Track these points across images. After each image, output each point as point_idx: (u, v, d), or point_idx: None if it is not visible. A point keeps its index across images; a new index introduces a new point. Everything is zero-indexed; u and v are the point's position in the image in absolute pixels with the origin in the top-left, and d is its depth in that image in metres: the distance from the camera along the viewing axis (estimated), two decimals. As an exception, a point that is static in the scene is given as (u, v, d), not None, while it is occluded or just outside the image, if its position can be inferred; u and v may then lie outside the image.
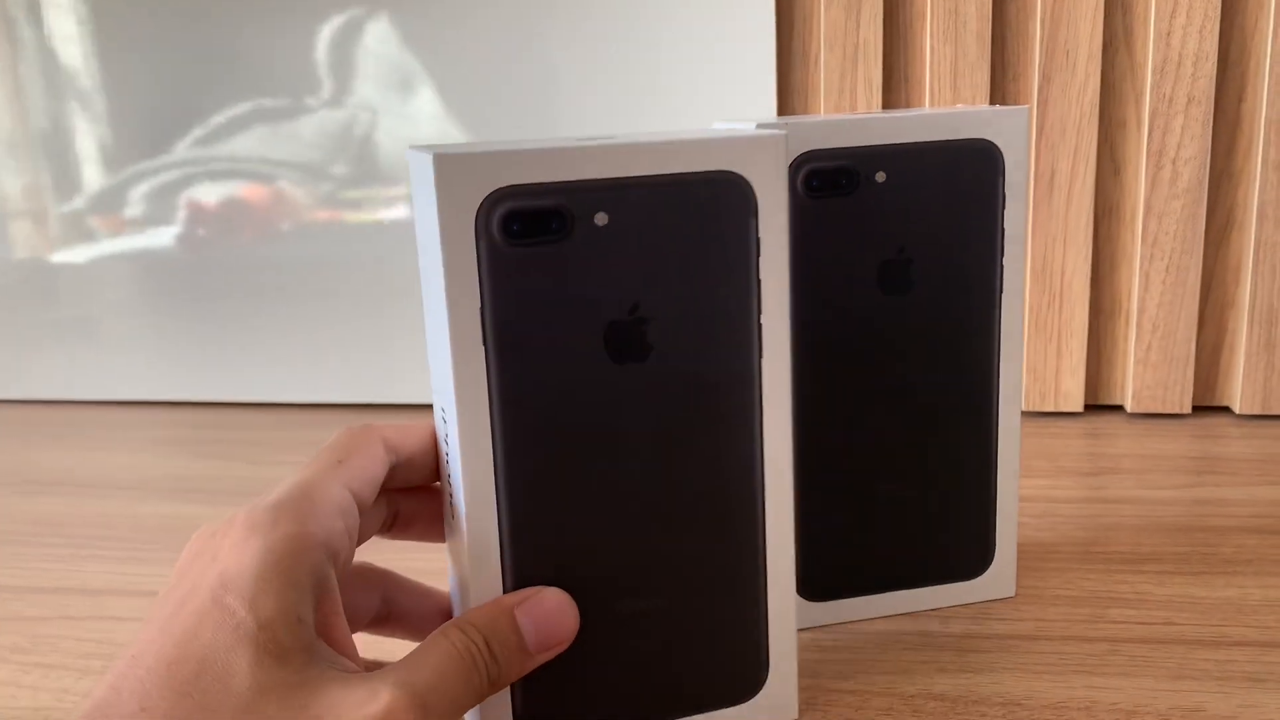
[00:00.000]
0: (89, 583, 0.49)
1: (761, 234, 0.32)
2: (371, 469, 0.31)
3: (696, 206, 0.31)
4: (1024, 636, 0.40)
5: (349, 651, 0.29)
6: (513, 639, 0.30)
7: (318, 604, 0.28)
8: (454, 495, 0.32)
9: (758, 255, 0.32)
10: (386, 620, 0.35)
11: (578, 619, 0.32)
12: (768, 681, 0.35)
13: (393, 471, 0.32)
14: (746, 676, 0.35)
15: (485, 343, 0.30)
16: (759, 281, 0.32)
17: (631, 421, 0.32)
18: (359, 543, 0.32)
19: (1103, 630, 0.40)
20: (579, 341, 0.31)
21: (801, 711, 0.36)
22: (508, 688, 0.32)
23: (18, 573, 0.51)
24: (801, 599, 0.41)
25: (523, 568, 0.32)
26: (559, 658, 0.32)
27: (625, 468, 0.32)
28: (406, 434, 0.33)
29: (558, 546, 0.32)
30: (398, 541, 0.35)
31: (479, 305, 0.30)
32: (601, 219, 0.30)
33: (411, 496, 0.34)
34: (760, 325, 0.32)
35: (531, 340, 0.30)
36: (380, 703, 0.25)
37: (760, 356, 0.33)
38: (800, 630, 0.41)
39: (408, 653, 0.29)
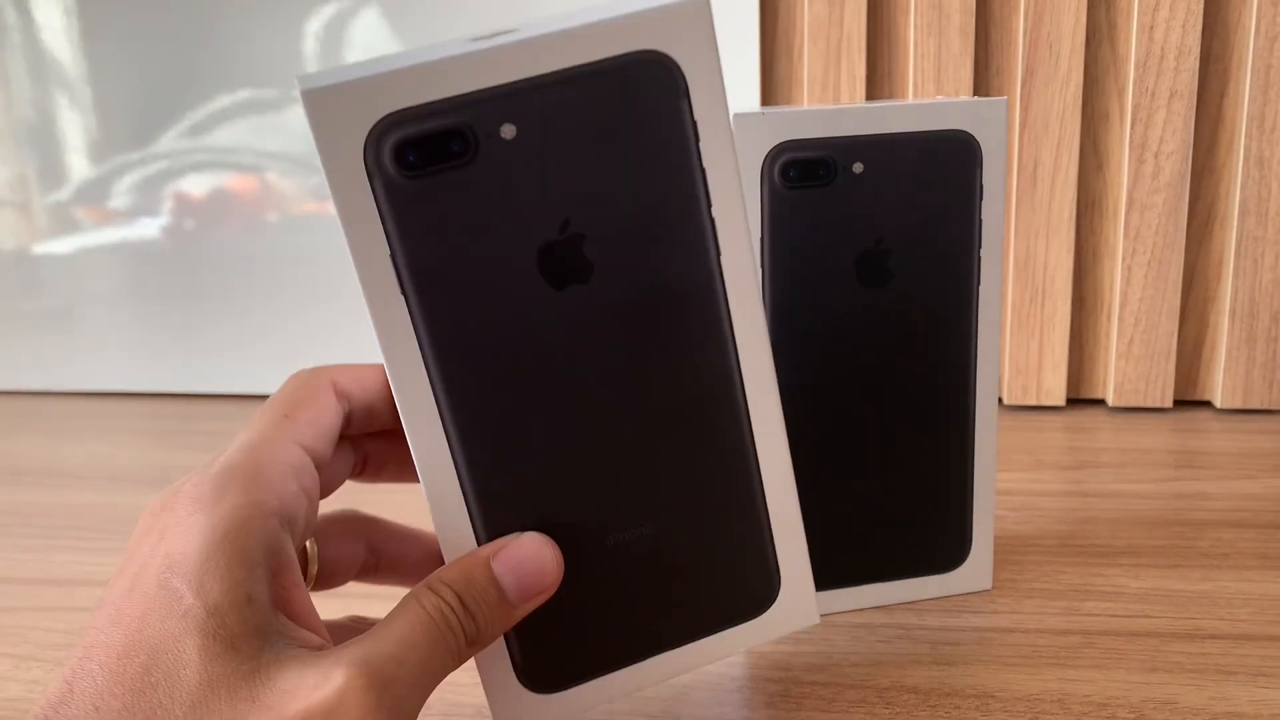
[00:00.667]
0: (60, 573, 0.49)
1: (698, 117, 0.28)
2: (323, 420, 0.29)
3: (615, 98, 0.27)
4: (999, 629, 0.40)
5: (311, 624, 0.27)
6: (491, 593, 0.28)
7: (273, 577, 0.26)
8: (412, 453, 0.30)
9: (696, 140, 0.28)
10: (376, 569, 0.33)
11: (560, 561, 0.30)
12: (781, 589, 0.33)
13: (351, 418, 0.30)
14: (758, 588, 0.33)
15: (403, 290, 0.27)
16: (703, 171, 0.29)
17: (585, 349, 0.29)
18: (328, 492, 0.30)
19: (1077, 623, 0.40)
20: (509, 272, 0.28)
21: (773, 696, 0.36)
22: (504, 640, 0.31)
23: (-9, 563, 0.50)
24: (777, 591, 0.41)
25: (494, 520, 0.30)
26: (554, 602, 0.30)
27: (586, 398, 0.29)
28: (361, 381, 0.30)
29: (528, 492, 0.30)
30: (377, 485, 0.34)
31: (387, 250, 0.27)
32: (509, 131, 0.27)
33: (379, 439, 0.32)
34: (712, 220, 0.29)
35: (455, 280, 0.27)
36: (333, 684, 0.24)
37: (718, 254, 0.29)
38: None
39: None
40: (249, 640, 0.25)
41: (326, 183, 0.26)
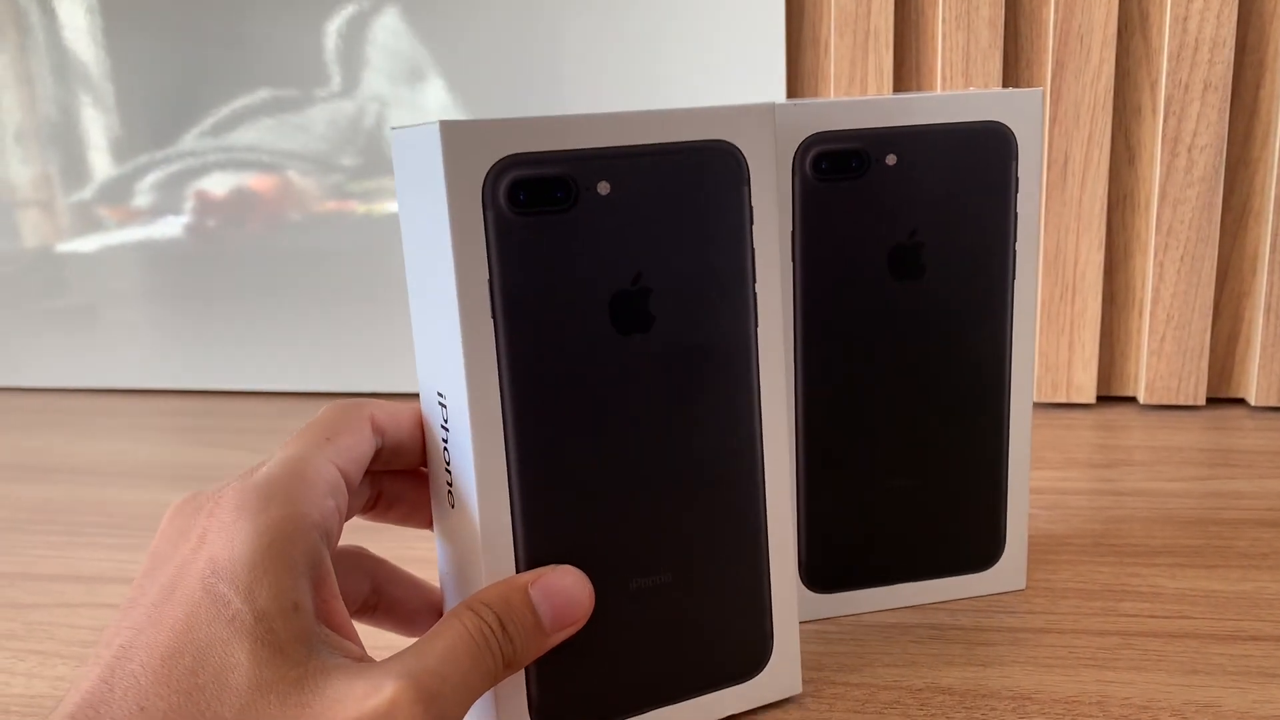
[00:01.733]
0: (85, 570, 0.49)
1: (754, 202, 0.32)
2: (360, 448, 0.30)
3: (692, 175, 0.31)
4: (1034, 630, 0.39)
5: (350, 635, 0.28)
6: (528, 618, 0.29)
7: (314, 588, 0.27)
8: (457, 478, 0.31)
9: (751, 223, 0.32)
10: (375, 609, 0.34)
11: (592, 596, 0.31)
12: (772, 657, 0.35)
13: (378, 454, 0.31)
14: (752, 653, 0.35)
15: (494, 315, 0.29)
16: (753, 249, 0.32)
17: (637, 394, 0.31)
18: (345, 521, 0.31)
19: (1115, 624, 0.39)
20: (585, 313, 0.30)
21: (805, 697, 0.35)
22: (521, 676, 0.31)
23: (14, 560, 0.50)
24: (808, 590, 0.40)
25: (534, 547, 0.31)
26: (576, 641, 0.31)
27: (632, 441, 0.32)
28: (396, 417, 0.32)
29: (569, 524, 0.31)
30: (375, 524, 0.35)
31: (487, 277, 0.29)
32: (604, 188, 0.30)
33: (395, 478, 0.33)
34: (755, 293, 0.33)
35: (539, 313, 0.30)
36: (384, 695, 0.24)
37: (756, 324, 0.33)
38: (806, 622, 0.40)
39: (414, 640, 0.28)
40: (296, 647, 0.25)
41: (445, 209, 0.29)
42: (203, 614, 0.25)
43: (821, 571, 0.40)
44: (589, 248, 0.30)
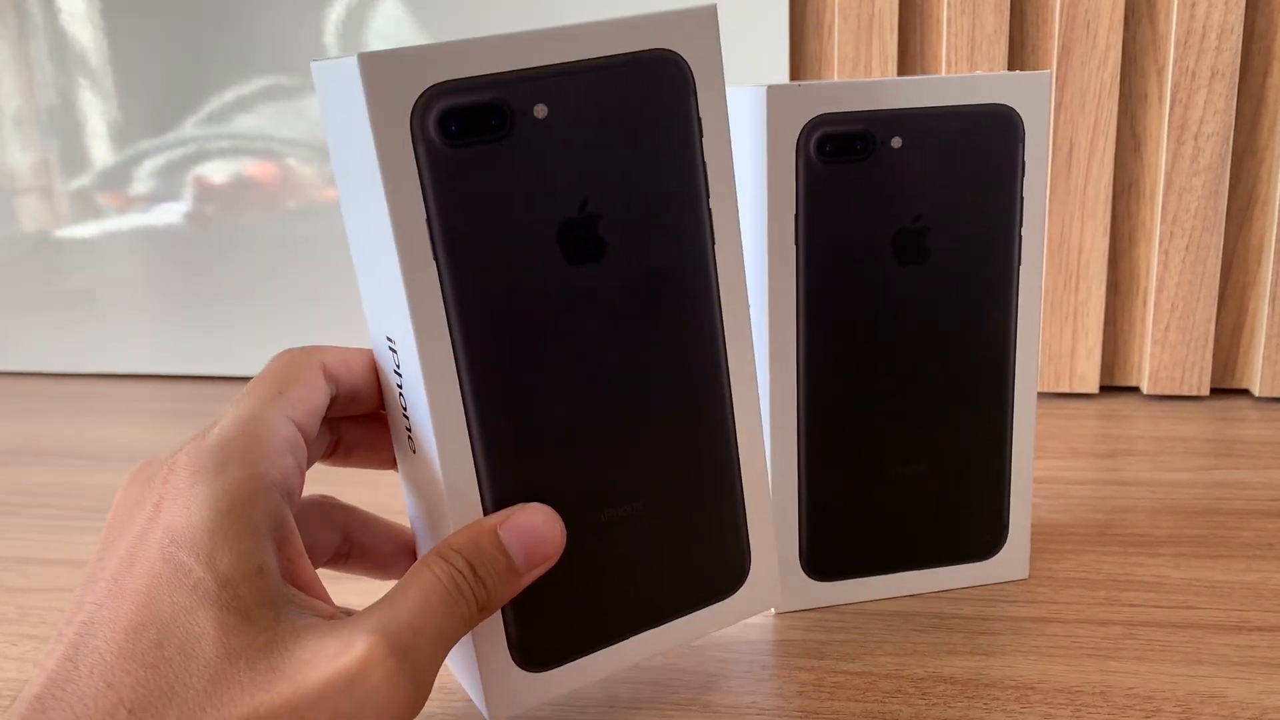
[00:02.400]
0: (81, 554, 0.48)
1: (702, 113, 0.31)
2: (314, 399, 0.29)
3: (633, 89, 0.30)
4: (1037, 619, 0.39)
5: (319, 593, 0.27)
6: (500, 560, 0.28)
7: (278, 549, 0.26)
8: (416, 424, 0.30)
9: (700, 136, 0.31)
10: (348, 558, 0.33)
11: (563, 531, 0.30)
12: (750, 573, 0.35)
13: (333, 401, 0.31)
14: (729, 571, 0.34)
15: (435, 255, 0.28)
16: (704, 164, 0.31)
17: (594, 324, 0.30)
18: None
19: (1118, 614, 0.39)
20: (533, 245, 0.29)
21: (806, 685, 0.35)
22: (499, 617, 0.31)
23: (8, 544, 0.50)
24: (809, 579, 0.40)
25: (500, 487, 0.30)
26: (551, 576, 0.30)
27: (591, 373, 0.31)
28: (348, 364, 0.31)
29: (534, 461, 0.30)
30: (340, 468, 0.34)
31: (424, 215, 0.28)
32: (541, 111, 0.28)
33: (353, 423, 0.33)
34: (710, 211, 0.31)
35: (483, 248, 0.29)
36: (355, 652, 0.24)
37: (713, 243, 0.32)
38: (808, 610, 0.40)
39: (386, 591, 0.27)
40: (263, 611, 0.24)
41: (373, 148, 0.27)
42: (164, 584, 0.24)
43: (823, 559, 0.40)
44: (530, 176, 0.29)
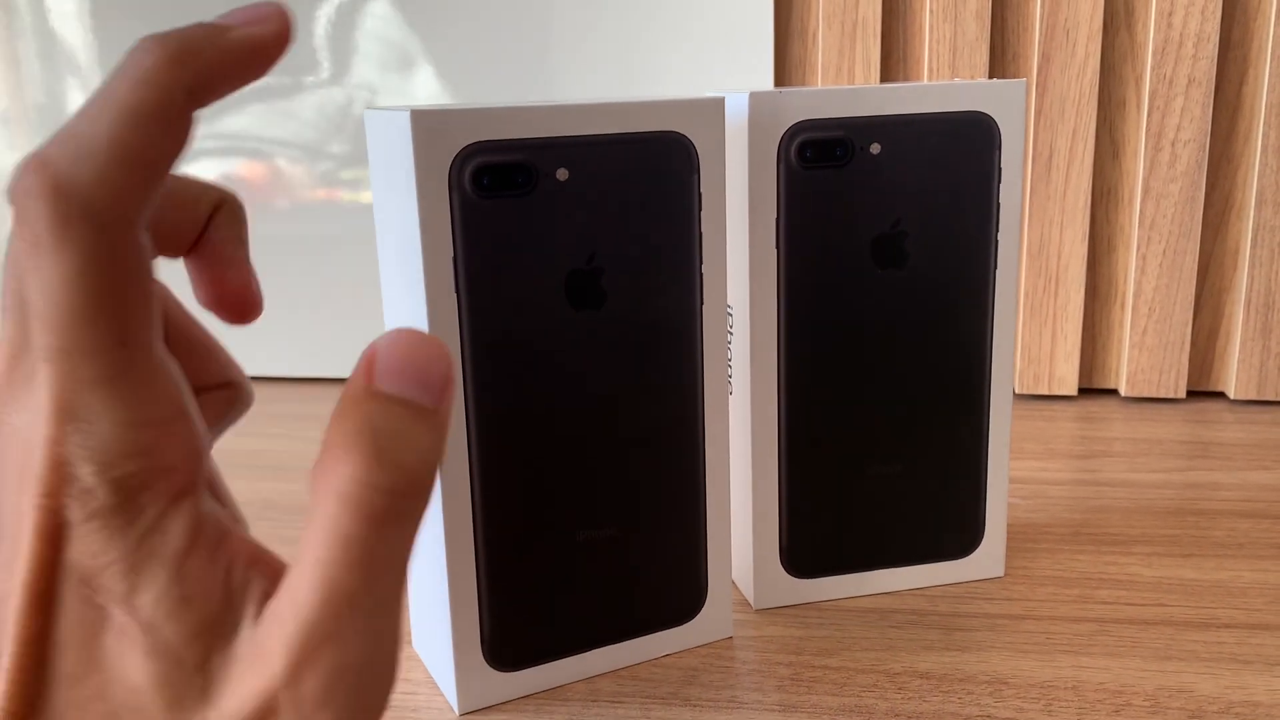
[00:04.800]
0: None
1: (703, 189, 0.35)
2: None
3: (646, 163, 0.34)
4: (1012, 616, 0.40)
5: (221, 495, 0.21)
6: (401, 415, 0.19)
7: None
8: None
9: (700, 209, 0.35)
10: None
11: (437, 339, 0.19)
12: (706, 604, 0.38)
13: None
14: (688, 599, 0.38)
15: (457, 290, 0.32)
16: (700, 233, 0.35)
17: (588, 364, 0.34)
18: None
19: (1091, 611, 0.40)
20: (542, 289, 0.33)
21: (784, 680, 0.36)
22: (475, 616, 0.34)
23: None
24: (789, 575, 0.41)
25: (490, 501, 0.34)
26: (527, 584, 0.34)
27: (582, 406, 0.34)
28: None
29: (522, 480, 0.34)
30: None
31: (452, 255, 0.31)
32: (563, 174, 0.32)
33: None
34: (702, 275, 0.35)
35: (499, 288, 0.32)
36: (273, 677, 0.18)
37: (702, 303, 0.36)
38: (787, 607, 0.41)
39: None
40: (193, 647, 0.19)
41: (414, 192, 0.31)
42: (89, 630, 0.19)
43: (801, 557, 0.41)
44: (547, 229, 0.32)
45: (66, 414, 0.18)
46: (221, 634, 0.19)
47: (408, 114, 0.30)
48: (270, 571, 0.19)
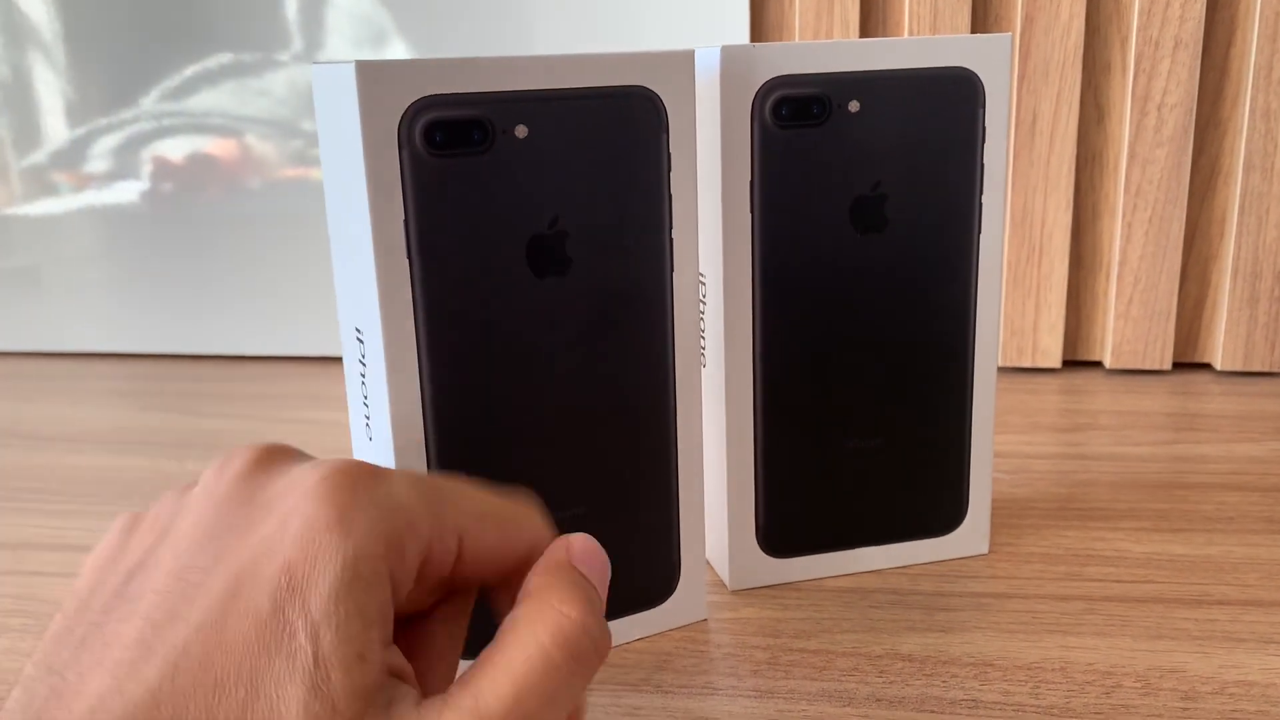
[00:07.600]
0: (12, 536, 0.46)
1: (672, 149, 0.33)
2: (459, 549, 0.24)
3: (611, 120, 0.31)
4: (997, 595, 0.38)
5: (407, 677, 0.23)
6: (597, 598, 0.24)
7: (381, 639, 0.22)
8: (374, 413, 0.31)
9: (669, 170, 0.33)
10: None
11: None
12: (679, 586, 0.36)
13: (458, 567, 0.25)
14: (658, 583, 0.36)
15: (409, 254, 0.29)
16: (670, 196, 0.33)
17: (552, 334, 0.32)
18: None
19: (1079, 588, 0.38)
20: (502, 255, 0.31)
21: (760, 664, 0.34)
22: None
23: (-58, 526, 0.48)
24: (766, 555, 0.39)
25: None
26: None
27: (546, 380, 0.32)
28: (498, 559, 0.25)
29: (484, 459, 0.32)
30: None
31: (403, 216, 0.29)
32: (522, 131, 0.30)
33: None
34: (671, 240, 0.33)
35: (456, 253, 0.30)
36: None
37: (672, 270, 0.33)
38: (764, 587, 0.39)
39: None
40: (352, 702, 0.21)
41: (360, 149, 0.28)
42: (268, 639, 0.20)
43: (778, 535, 0.39)
44: (506, 190, 0.30)
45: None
46: (378, 703, 0.21)
47: (352, 66, 0.28)
48: (410, 678, 0.23)
